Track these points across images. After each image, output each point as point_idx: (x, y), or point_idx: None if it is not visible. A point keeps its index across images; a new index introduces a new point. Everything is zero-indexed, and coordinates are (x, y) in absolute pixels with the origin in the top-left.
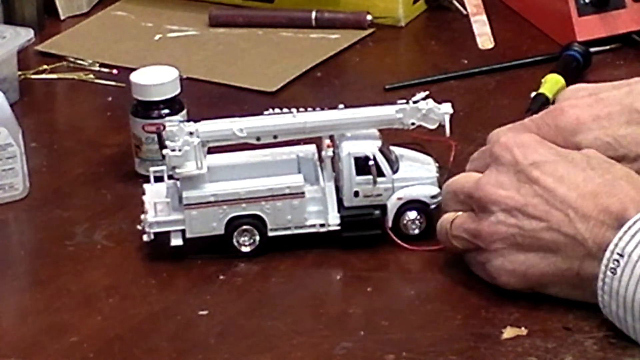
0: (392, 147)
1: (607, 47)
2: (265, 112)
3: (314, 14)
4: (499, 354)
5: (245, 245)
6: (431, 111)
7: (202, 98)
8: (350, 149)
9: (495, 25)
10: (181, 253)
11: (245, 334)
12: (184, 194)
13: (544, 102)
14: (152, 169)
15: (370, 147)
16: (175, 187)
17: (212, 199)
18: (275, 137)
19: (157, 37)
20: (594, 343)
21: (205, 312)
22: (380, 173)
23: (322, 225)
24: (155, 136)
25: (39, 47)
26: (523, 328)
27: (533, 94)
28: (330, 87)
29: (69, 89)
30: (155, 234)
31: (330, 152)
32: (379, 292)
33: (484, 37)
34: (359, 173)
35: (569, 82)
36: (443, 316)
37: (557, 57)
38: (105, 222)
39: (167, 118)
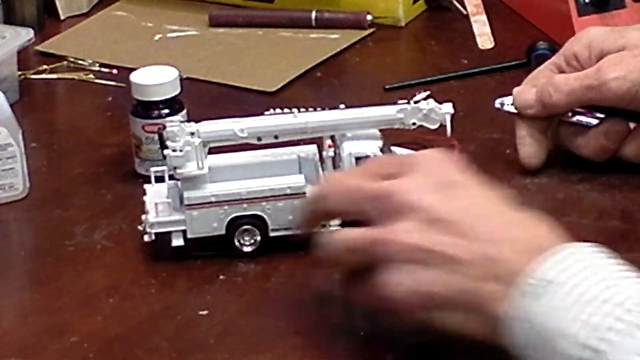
0: (393, 147)
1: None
2: (266, 113)
3: (314, 14)
4: (498, 354)
5: (247, 245)
6: (432, 111)
7: (202, 98)
8: (352, 149)
9: (495, 25)
10: (182, 253)
11: (245, 334)
12: (185, 194)
13: None
14: (152, 169)
15: (372, 147)
16: (176, 188)
17: (213, 199)
18: (276, 137)
19: (157, 37)
20: None
21: (205, 312)
22: None
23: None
24: (155, 136)
25: (39, 47)
26: None
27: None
28: (330, 87)
29: (69, 89)
30: (156, 234)
31: (331, 152)
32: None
33: (484, 37)
34: None
35: None
36: None
37: (527, 62)
38: (105, 222)
39: (168, 118)
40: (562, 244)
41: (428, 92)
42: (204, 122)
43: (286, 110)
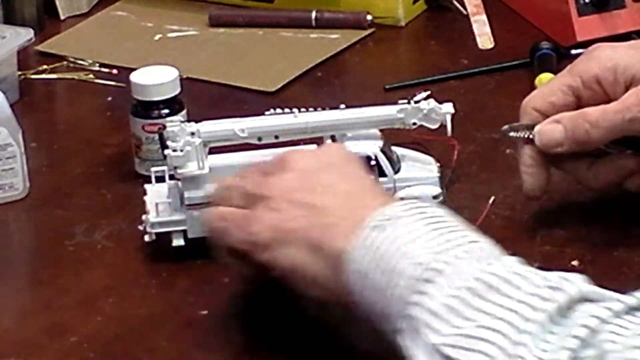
0: (393, 147)
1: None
2: (267, 113)
3: (314, 14)
4: None
5: None
6: (432, 111)
7: (202, 98)
8: (352, 149)
9: (495, 25)
10: (182, 253)
11: (245, 334)
12: (186, 194)
13: None
14: (153, 169)
15: (372, 147)
16: (177, 188)
17: None
18: (276, 137)
19: (157, 37)
20: None
21: (205, 312)
22: (382, 173)
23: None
24: (155, 136)
25: (39, 47)
26: None
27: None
28: (330, 87)
29: (69, 89)
30: (157, 234)
31: None
32: None
33: (484, 37)
34: None
35: None
36: None
37: (530, 62)
38: (105, 222)
39: (168, 118)
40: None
41: (428, 92)
42: (204, 122)
43: (286, 110)
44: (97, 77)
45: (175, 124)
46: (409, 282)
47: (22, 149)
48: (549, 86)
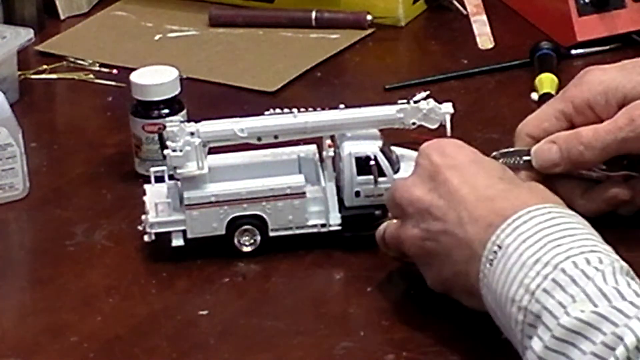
0: (393, 147)
1: (607, 47)
2: (266, 113)
3: (314, 14)
4: (499, 354)
5: (246, 245)
6: (432, 111)
7: (202, 98)
8: (352, 149)
9: (495, 25)
10: (182, 253)
11: (245, 334)
12: (185, 194)
13: None
14: (152, 169)
15: (372, 147)
16: (176, 188)
17: (213, 199)
18: (276, 137)
19: (157, 37)
20: None
21: (205, 312)
22: (382, 173)
23: (323, 226)
24: (155, 136)
25: (39, 47)
26: None
27: (535, 95)
28: (330, 87)
29: (69, 89)
30: (156, 234)
31: (331, 152)
32: (379, 292)
33: (484, 37)
34: (360, 173)
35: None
36: (443, 316)
37: (530, 62)
38: (105, 222)
39: (168, 118)
40: (520, 211)
41: (428, 92)
42: (204, 122)
43: (286, 110)
44: (97, 77)
45: (174, 124)
46: (519, 328)
47: (22, 149)
48: (542, 112)
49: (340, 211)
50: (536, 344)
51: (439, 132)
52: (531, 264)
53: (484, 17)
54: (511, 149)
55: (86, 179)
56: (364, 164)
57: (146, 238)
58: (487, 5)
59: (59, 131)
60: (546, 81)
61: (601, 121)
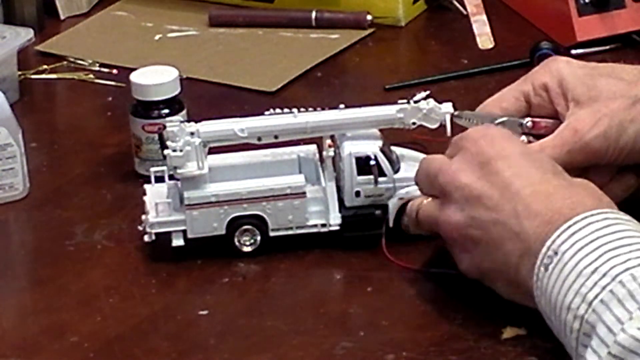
0: (393, 147)
1: (607, 47)
2: (266, 112)
3: (314, 14)
4: (499, 354)
5: (247, 245)
6: (432, 111)
7: (202, 98)
8: (352, 148)
9: (495, 25)
10: (182, 253)
11: (245, 334)
12: (186, 194)
13: None
14: (152, 169)
15: (372, 147)
16: (176, 188)
17: (213, 199)
18: (276, 137)
19: (157, 37)
20: None
21: (205, 312)
22: (382, 173)
23: (323, 225)
24: (155, 136)
25: (39, 47)
26: (523, 328)
27: None
28: (330, 87)
29: (69, 89)
30: (157, 234)
31: (331, 152)
32: (379, 292)
33: (484, 37)
34: (360, 173)
35: None
36: (443, 316)
37: (530, 62)
38: (105, 222)
39: (167, 118)
40: (579, 215)
41: (428, 92)
42: (203, 122)
43: (286, 110)
44: (97, 77)
45: (174, 124)
46: (573, 336)
47: (22, 149)
48: (503, 92)
49: (340, 211)
50: (591, 358)
51: (439, 132)
52: (588, 273)
53: (484, 17)
54: (472, 112)
55: (86, 179)
56: (364, 164)
57: (146, 238)
58: (487, 5)
59: (59, 131)
60: None
61: (553, 107)
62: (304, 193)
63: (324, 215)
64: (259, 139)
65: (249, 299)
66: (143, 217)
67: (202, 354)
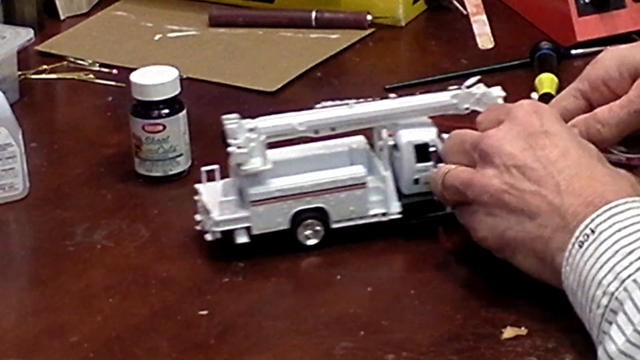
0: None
1: (607, 47)
2: (317, 106)
3: (314, 14)
4: (499, 354)
5: (310, 239)
6: (484, 95)
7: (202, 98)
8: (410, 137)
9: (495, 25)
10: (182, 253)
11: (245, 334)
12: (250, 191)
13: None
14: (203, 169)
15: (429, 134)
16: (233, 185)
17: (277, 194)
18: (333, 129)
19: (157, 37)
20: (593, 343)
21: (205, 312)
22: (439, 160)
23: (383, 215)
24: (155, 136)
25: (39, 47)
26: (523, 328)
27: (535, 95)
28: (330, 87)
29: (69, 89)
30: (221, 232)
31: (391, 141)
32: (379, 292)
33: (484, 37)
34: (418, 160)
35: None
36: (443, 316)
37: (530, 61)
38: (105, 222)
39: (167, 118)
40: (621, 199)
41: (479, 77)
42: (261, 118)
43: (339, 102)
44: (97, 77)
45: (233, 120)
46: (599, 312)
47: (22, 149)
48: (562, 94)
49: (399, 199)
50: (616, 335)
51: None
52: (625, 253)
53: (484, 17)
54: None
55: (86, 179)
56: (422, 151)
57: (209, 237)
58: (487, 5)
59: (59, 131)
60: (546, 81)
61: (617, 97)
62: (365, 183)
63: (384, 204)
64: (316, 132)
65: (248, 299)
66: (197, 216)
67: (202, 354)
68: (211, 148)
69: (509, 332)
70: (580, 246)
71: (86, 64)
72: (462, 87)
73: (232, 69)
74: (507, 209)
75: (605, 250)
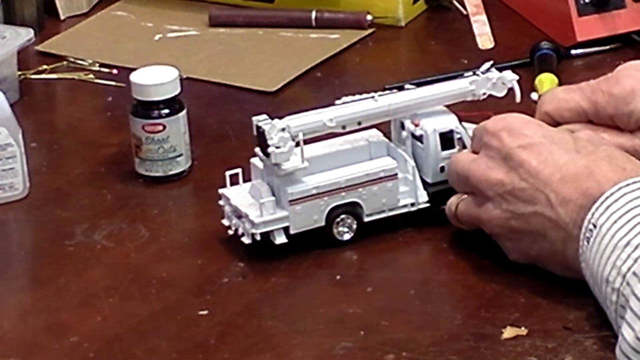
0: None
1: (607, 47)
2: (338, 102)
3: (314, 14)
4: (499, 354)
5: (345, 234)
6: (500, 79)
7: (202, 98)
8: (435, 125)
9: (495, 25)
10: (182, 253)
11: (245, 334)
12: (289, 190)
13: None
14: (227, 172)
15: (453, 122)
16: (262, 186)
17: (314, 191)
18: (359, 123)
19: (157, 37)
20: (593, 343)
21: (205, 312)
22: (464, 146)
23: (412, 205)
24: (155, 136)
25: (39, 47)
26: (523, 328)
27: (535, 95)
28: (330, 87)
29: (69, 89)
30: (261, 234)
31: (419, 131)
32: (379, 292)
33: (484, 37)
34: (443, 148)
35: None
36: (443, 316)
37: (530, 61)
38: (105, 222)
39: (167, 118)
40: (610, 189)
41: (492, 62)
42: (290, 117)
43: (364, 95)
44: (97, 77)
45: (266, 121)
46: (613, 308)
47: (22, 149)
48: (568, 100)
49: (425, 188)
50: (626, 331)
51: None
52: (622, 246)
53: (484, 17)
54: None
55: (86, 179)
56: (447, 139)
57: (246, 240)
58: (487, 5)
59: (59, 131)
60: (546, 81)
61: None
62: (396, 175)
63: (412, 194)
64: (344, 127)
65: (248, 299)
66: (224, 221)
67: (202, 354)
68: (211, 148)
69: (509, 332)
70: (587, 242)
71: (86, 64)
72: (479, 72)
73: (232, 69)
74: (518, 233)
75: (607, 245)
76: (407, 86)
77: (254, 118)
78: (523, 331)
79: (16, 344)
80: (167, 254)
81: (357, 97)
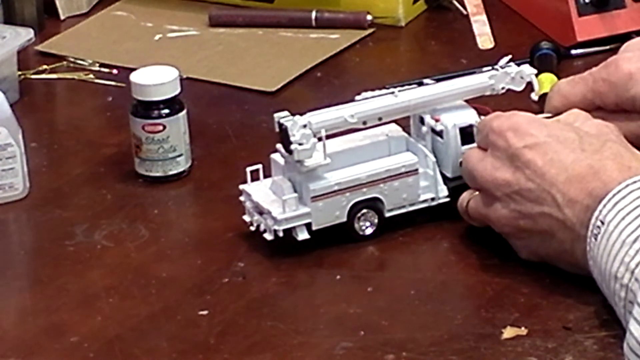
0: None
1: (607, 47)
2: (358, 97)
3: (314, 14)
4: (499, 354)
5: (367, 228)
6: (519, 74)
7: (202, 98)
8: (455, 120)
9: (495, 25)
10: (183, 253)
11: (245, 334)
12: (311, 186)
13: None
14: (249, 168)
15: (473, 116)
16: (283, 182)
17: (336, 187)
18: (380, 119)
19: (157, 37)
20: (594, 343)
21: (205, 312)
22: None
23: (432, 199)
24: (155, 136)
25: (39, 47)
26: (523, 328)
27: (535, 95)
28: (330, 87)
29: (69, 89)
30: (284, 230)
31: (439, 126)
32: (379, 292)
33: (484, 37)
34: (463, 142)
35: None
36: (443, 316)
37: (530, 61)
38: (105, 222)
39: (167, 118)
40: (624, 182)
41: (510, 56)
42: (311, 113)
43: (383, 90)
44: (97, 77)
45: (287, 118)
46: (621, 304)
47: (22, 149)
48: (577, 94)
49: (445, 183)
50: (634, 327)
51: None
52: (630, 242)
53: (484, 17)
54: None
55: (86, 179)
56: (467, 134)
57: (268, 237)
58: (487, 5)
59: (59, 131)
60: (546, 81)
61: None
62: (417, 170)
63: (432, 189)
64: (364, 122)
65: (248, 299)
66: (246, 217)
67: (202, 354)
68: (211, 148)
69: (509, 332)
70: (595, 239)
71: (86, 64)
72: (497, 67)
73: (232, 69)
74: (527, 232)
75: (615, 242)
76: (425, 81)
77: (276, 115)
78: (523, 331)
79: (16, 344)
80: (167, 254)
81: (377, 92)
